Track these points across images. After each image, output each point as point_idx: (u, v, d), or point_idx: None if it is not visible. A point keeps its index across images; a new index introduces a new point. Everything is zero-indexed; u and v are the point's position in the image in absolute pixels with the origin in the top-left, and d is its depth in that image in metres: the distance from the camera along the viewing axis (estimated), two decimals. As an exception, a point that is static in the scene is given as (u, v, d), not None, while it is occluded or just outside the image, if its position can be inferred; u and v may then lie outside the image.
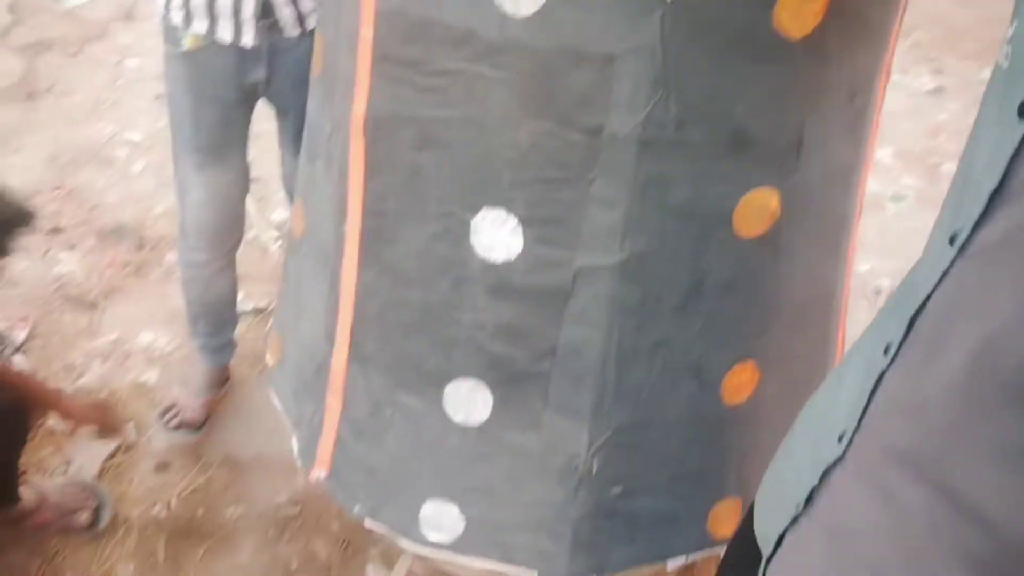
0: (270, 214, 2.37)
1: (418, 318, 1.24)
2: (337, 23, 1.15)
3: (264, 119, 1.89)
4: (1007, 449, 0.51)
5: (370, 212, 1.21)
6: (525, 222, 1.09)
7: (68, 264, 2.51)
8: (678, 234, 1.09)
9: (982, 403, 0.53)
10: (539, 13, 0.94)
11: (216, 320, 2.00)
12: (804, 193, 1.13)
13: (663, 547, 1.38)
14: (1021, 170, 0.51)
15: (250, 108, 1.76)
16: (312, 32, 1.60)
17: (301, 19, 1.66)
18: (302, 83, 1.68)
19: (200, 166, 1.75)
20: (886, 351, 0.62)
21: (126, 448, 2.03)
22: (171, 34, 1.65)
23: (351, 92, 1.13)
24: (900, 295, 0.64)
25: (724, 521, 1.37)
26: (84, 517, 1.84)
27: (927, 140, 3.21)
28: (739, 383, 1.27)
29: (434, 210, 1.14)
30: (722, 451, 1.33)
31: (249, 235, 2.71)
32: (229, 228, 1.85)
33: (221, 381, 2.13)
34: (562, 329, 1.16)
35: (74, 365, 2.19)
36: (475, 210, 1.11)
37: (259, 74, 1.68)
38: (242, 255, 2.63)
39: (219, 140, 1.74)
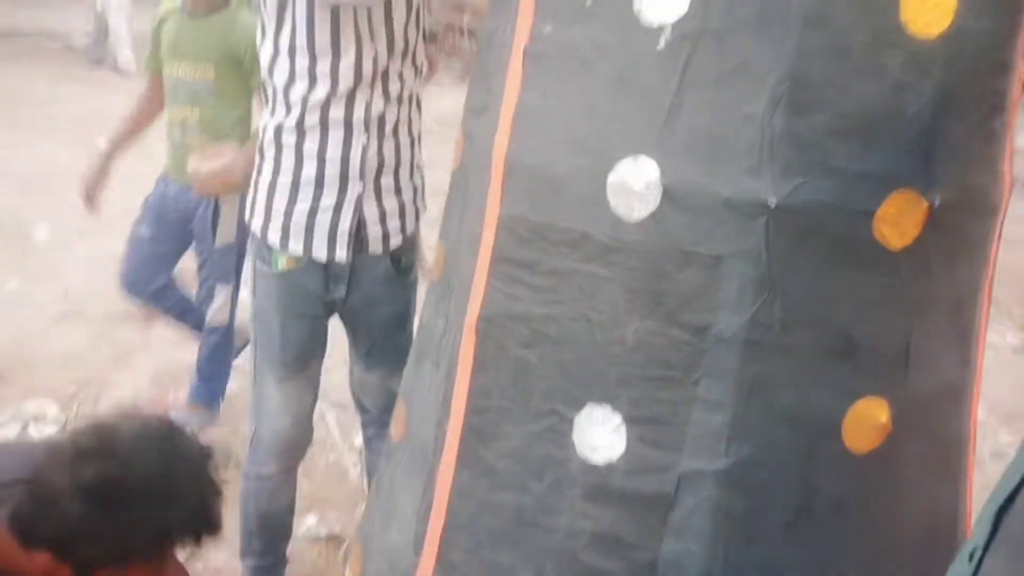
0: (354, 438, 2.40)
1: (510, 524, 1.20)
2: (459, 230, 1.27)
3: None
4: None
5: (473, 409, 1.24)
6: (629, 420, 1.09)
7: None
8: (786, 442, 1.07)
9: None
10: (651, 216, 1.03)
11: (271, 535, 1.95)
12: (915, 408, 1.11)
13: None
14: None
15: (327, 322, 1.88)
16: (389, 254, 1.76)
17: (386, 238, 1.81)
18: (373, 302, 1.82)
19: (282, 380, 1.83)
20: (971, 557, 0.63)
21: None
22: (263, 253, 1.80)
23: (467, 292, 1.21)
24: (989, 500, 0.65)
25: None
26: None
27: (1018, 396, 3.12)
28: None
29: (537, 407, 1.16)
30: None
31: (330, 457, 2.73)
32: (301, 437, 1.89)
33: None
34: (664, 541, 1.10)
35: None
36: (579, 406, 1.12)
37: (340, 292, 1.81)
38: (322, 479, 2.64)
39: (303, 353, 1.84)
